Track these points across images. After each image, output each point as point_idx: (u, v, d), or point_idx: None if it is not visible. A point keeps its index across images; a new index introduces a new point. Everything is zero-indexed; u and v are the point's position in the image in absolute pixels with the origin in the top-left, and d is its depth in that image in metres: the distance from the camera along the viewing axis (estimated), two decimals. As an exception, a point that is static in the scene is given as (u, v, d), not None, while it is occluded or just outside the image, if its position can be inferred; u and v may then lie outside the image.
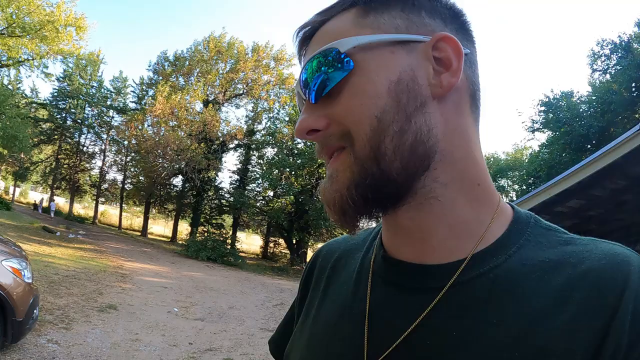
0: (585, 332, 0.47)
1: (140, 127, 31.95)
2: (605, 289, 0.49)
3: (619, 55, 22.55)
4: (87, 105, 41.45)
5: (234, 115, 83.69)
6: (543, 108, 25.38)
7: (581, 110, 24.05)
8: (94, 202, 45.55)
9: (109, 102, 42.23)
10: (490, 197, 0.61)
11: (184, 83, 35.00)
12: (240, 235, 38.16)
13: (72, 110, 40.94)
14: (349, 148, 0.56)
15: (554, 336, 0.48)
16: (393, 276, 0.63)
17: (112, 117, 42.29)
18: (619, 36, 22.56)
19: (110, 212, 49.71)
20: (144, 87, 40.14)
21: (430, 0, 0.60)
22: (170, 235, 40.37)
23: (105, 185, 44.64)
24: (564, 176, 5.73)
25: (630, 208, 5.93)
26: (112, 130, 40.69)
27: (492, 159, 39.83)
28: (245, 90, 35.41)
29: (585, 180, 5.44)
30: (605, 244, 0.55)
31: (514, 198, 33.39)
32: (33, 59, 26.92)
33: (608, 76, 23.37)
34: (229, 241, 29.64)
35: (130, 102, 42.30)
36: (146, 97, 37.84)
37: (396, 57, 0.56)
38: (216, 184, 36.77)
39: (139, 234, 38.84)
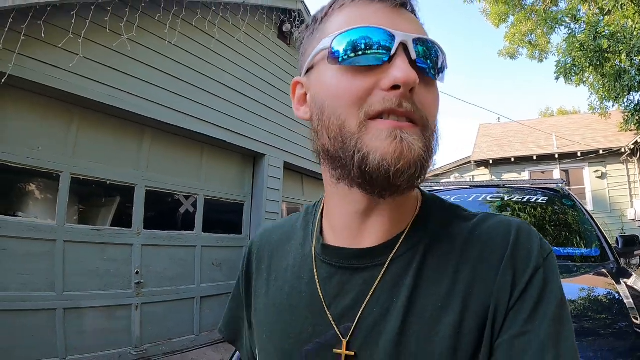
0: (484, 279, 0.60)
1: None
2: (493, 247, 0.62)
3: None
4: None
5: None
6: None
7: None
8: None
9: None
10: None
11: None
12: None
13: None
14: (421, 129, 0.60)
15: (469, 281, 0.60)
16: (338, 261, 0.69)
17: None
18: None
19: None
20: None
21: None
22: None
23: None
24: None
25: None
26: None
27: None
28: None
29: None
30: (494, 216, 0.67)
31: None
32: None
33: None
34: None
35: None
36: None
37: None
38: None
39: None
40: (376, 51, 0.58)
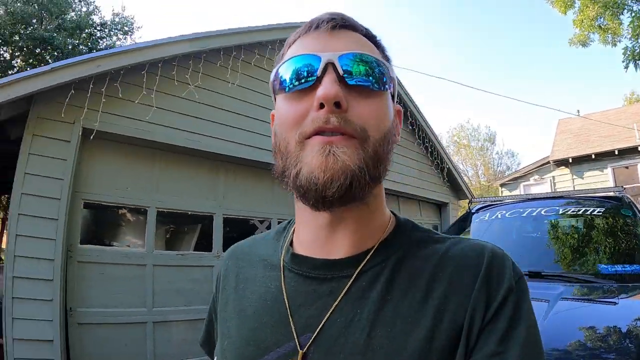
0: (457, 297, 0.60)
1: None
2: (467, 266, 0.62)
3: None
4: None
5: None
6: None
7: None
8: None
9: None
10: (386, 209, 0.74)
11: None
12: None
13: None
14: (359, 141, 0.61)
15: (442, 298, 0.60)
16: (306, 270, 0.69)
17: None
18: None
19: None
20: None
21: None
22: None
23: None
24: None
25: None
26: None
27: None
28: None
29: None
30: (467, 240, 0.69)
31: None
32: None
33: None
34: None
35: None
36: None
37: (391, 103, 0.70)
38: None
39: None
40: (307, 76, 0.62)
